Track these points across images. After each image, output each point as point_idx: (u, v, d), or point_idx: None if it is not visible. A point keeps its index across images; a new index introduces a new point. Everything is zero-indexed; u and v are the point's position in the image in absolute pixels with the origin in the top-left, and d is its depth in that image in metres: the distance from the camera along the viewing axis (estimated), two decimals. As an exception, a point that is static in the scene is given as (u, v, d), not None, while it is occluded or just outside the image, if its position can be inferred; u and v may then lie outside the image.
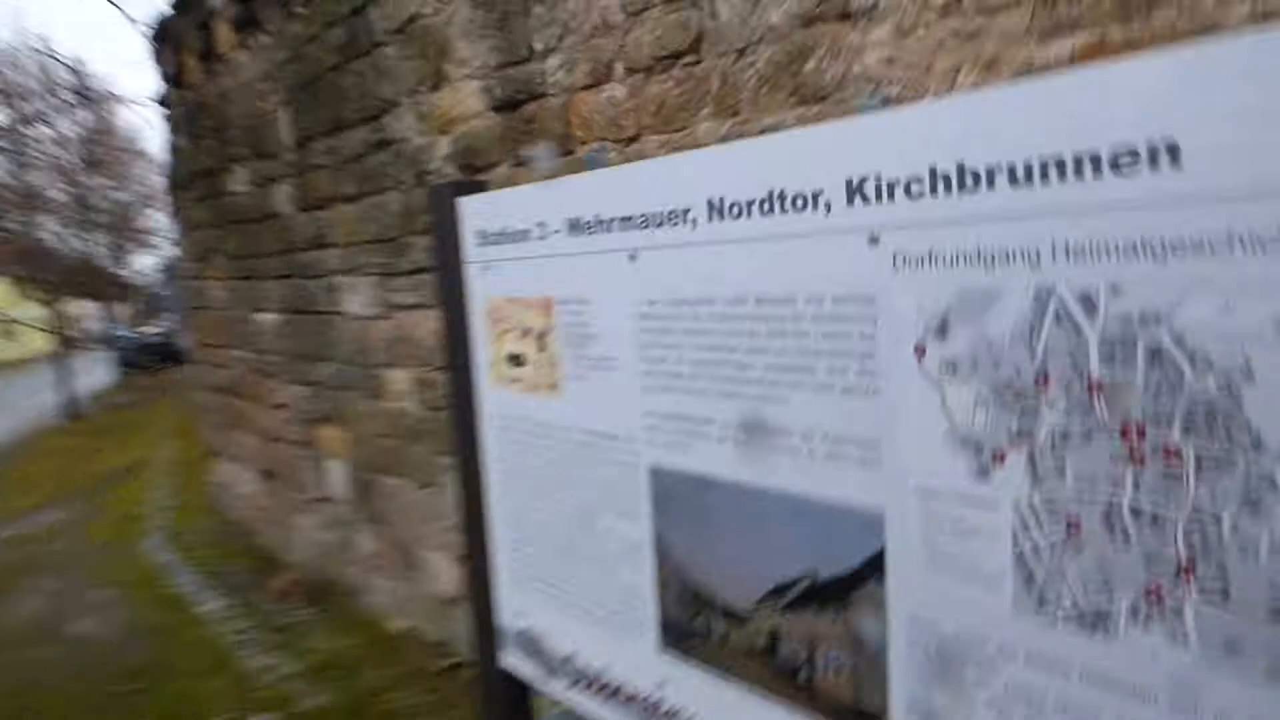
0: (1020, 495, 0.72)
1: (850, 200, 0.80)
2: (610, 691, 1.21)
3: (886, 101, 1.56)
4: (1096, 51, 1.26)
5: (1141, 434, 0.64)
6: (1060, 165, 0.65)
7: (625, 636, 1.16)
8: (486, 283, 1.32)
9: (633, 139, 2.07)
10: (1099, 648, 0.68)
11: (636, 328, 1.06)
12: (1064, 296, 0.66)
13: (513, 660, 1.41)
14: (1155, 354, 0.62)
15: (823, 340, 0.85)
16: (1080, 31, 1.28)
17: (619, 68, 2.01)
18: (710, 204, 0.94)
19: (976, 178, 0.70)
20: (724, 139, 1.88)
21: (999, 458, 0.73)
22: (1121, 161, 0.62)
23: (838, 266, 0.82)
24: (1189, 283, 0.60)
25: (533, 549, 1.32)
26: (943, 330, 0.75)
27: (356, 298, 3.61)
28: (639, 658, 1.15)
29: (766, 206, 0.88)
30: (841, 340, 0.83)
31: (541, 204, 1.18)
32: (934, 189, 0.73)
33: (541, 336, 1.23)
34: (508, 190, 1.28)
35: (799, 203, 0.85)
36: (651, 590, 1.11)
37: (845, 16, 1.58)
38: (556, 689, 1.30)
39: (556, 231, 1.16)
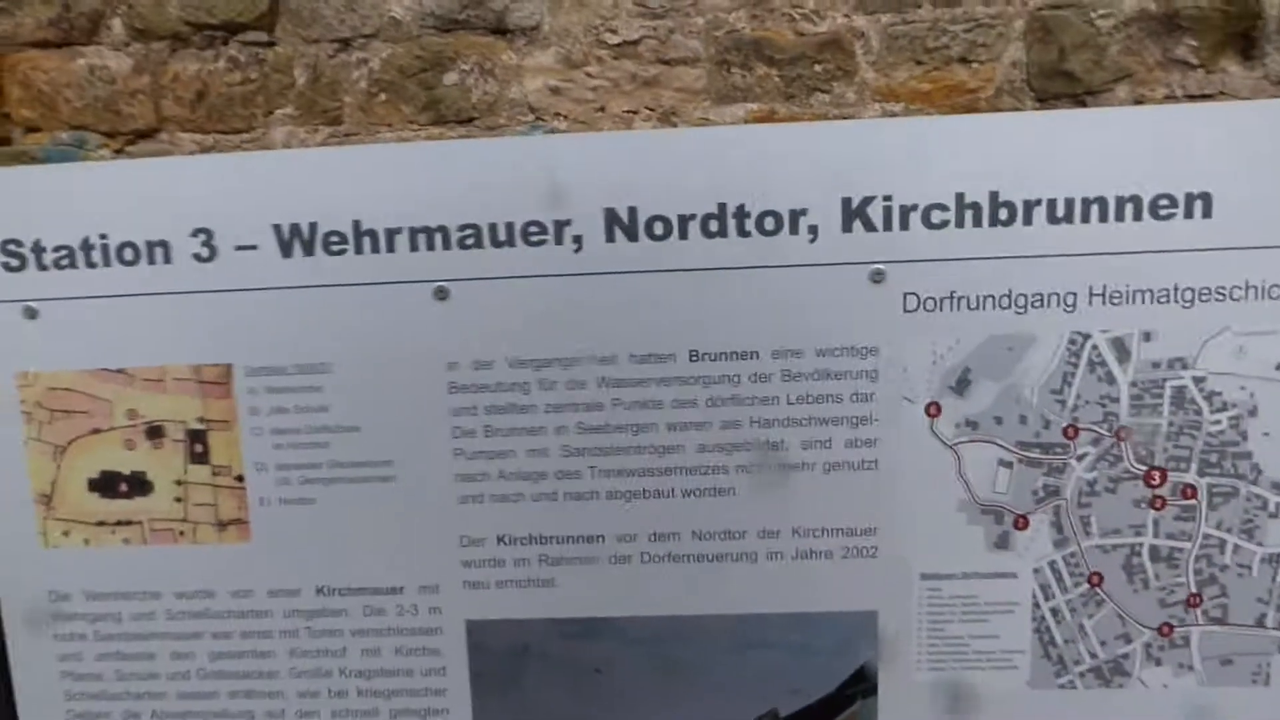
0: (1043, 559, 0.66)
1: (846, 226, 0.62)
2: None
3: (552, 134, 1.38)
4: (766, 120, 1.35)
5: (1163, 477, 0.64)
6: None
7: None
8: (29, 343, 0.67)
9: (147, 133, 1.38)
10: (1115, 698, 0.67)
11: (447, 406, 0.66)
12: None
13: None
14: (1180, 396, 0.63)
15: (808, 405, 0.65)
16: (752, 102, 1.35)
17: (117, 25, 1.30)
18: (613, 216, 0.63)
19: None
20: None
21: (1021, 523, 0.65)
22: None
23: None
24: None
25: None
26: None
27: None
28: None
29: (715, 227, 0.63)
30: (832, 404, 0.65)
31: (183, 192, 0.64)
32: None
33: (197, 438, 0.67)
34: (93, 168, 0.68)
35: (769, 224, 0.63)
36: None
37: (500, 32, 1.33)
38: None
39: (247, 246, 0.64)
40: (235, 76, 1.39)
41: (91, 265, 0.65)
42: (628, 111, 1.40)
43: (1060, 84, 1.41)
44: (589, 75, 1.38)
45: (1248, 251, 0.61)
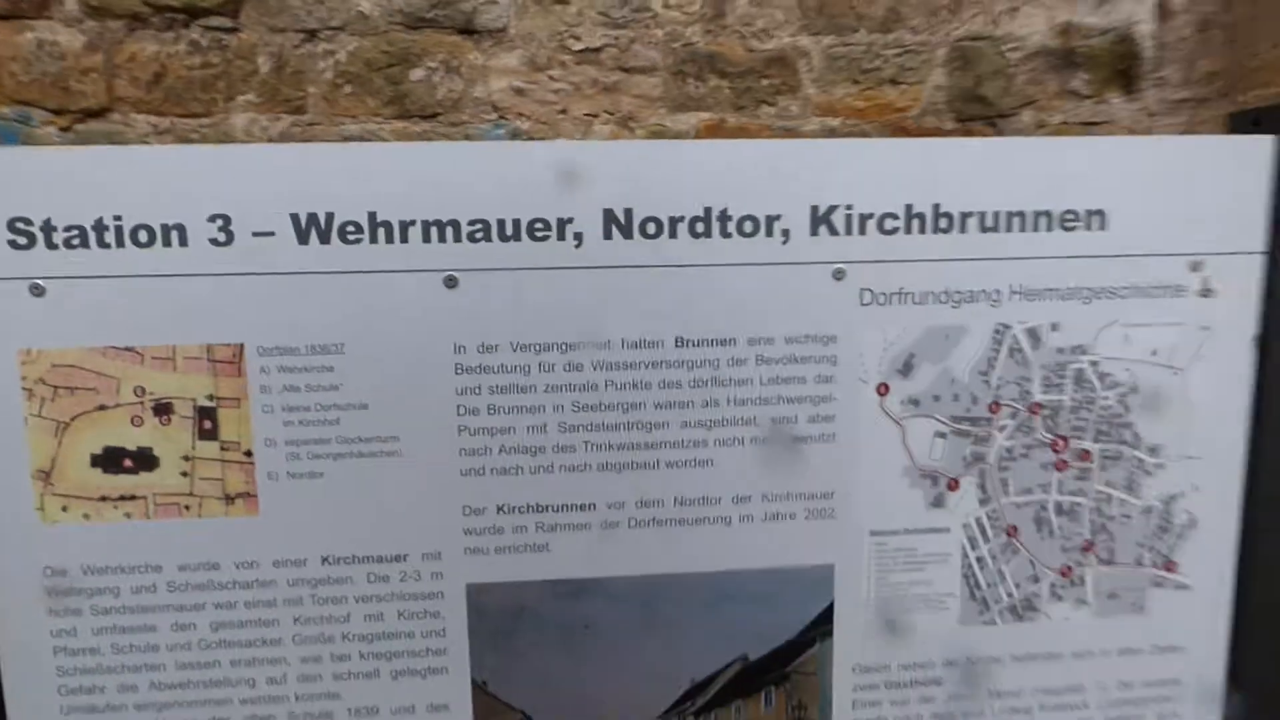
0: (970, 516, 0.77)
1: (814, 230, 0.72)
2: None
3: (516, 135, 1.43)
4: (716, 129, 1.45)
5: (1066, 443, 0.77)
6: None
7: None
8: (34, 321, 0.68)
9: (97, 113, 1.34)
10: (1026, 630, 0.80)
11: (454, 386, 0.71)
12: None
13: None
14: (1080, 377, 0.76)
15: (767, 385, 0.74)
16: (704, 111, 1.44)
17: (71, 1, 1.26)
18: (610, 216, 0.70)
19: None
20: (279, 140, 1.40)
21: (953, 485, 0.77)
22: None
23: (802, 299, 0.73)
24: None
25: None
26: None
27: None
28: None
29: (701, 228, 0.71)
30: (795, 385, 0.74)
31: (204, 180, 0.68)
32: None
33: (206, 415, 0.70)
34: (113, 151, 0.69)
35: (747, 227, 0.71)
36: (468, 765, 0.77)
37: (468, 31, 1.37)
38: None
39: (264, 233, 0.68)
40: (195, 60, 1.39)
41: (104, 246, 0.67)
42: (588, 115, 1.47)
43: (976, 107, 1.57)
44: (552, 79, 1.45)
45: (1134, 259, 0.74)
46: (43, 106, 1.38)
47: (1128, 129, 1.64)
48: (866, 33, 1.51)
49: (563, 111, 1.46)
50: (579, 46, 1.44)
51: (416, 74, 1.43)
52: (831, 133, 1.51)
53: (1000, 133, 1.57)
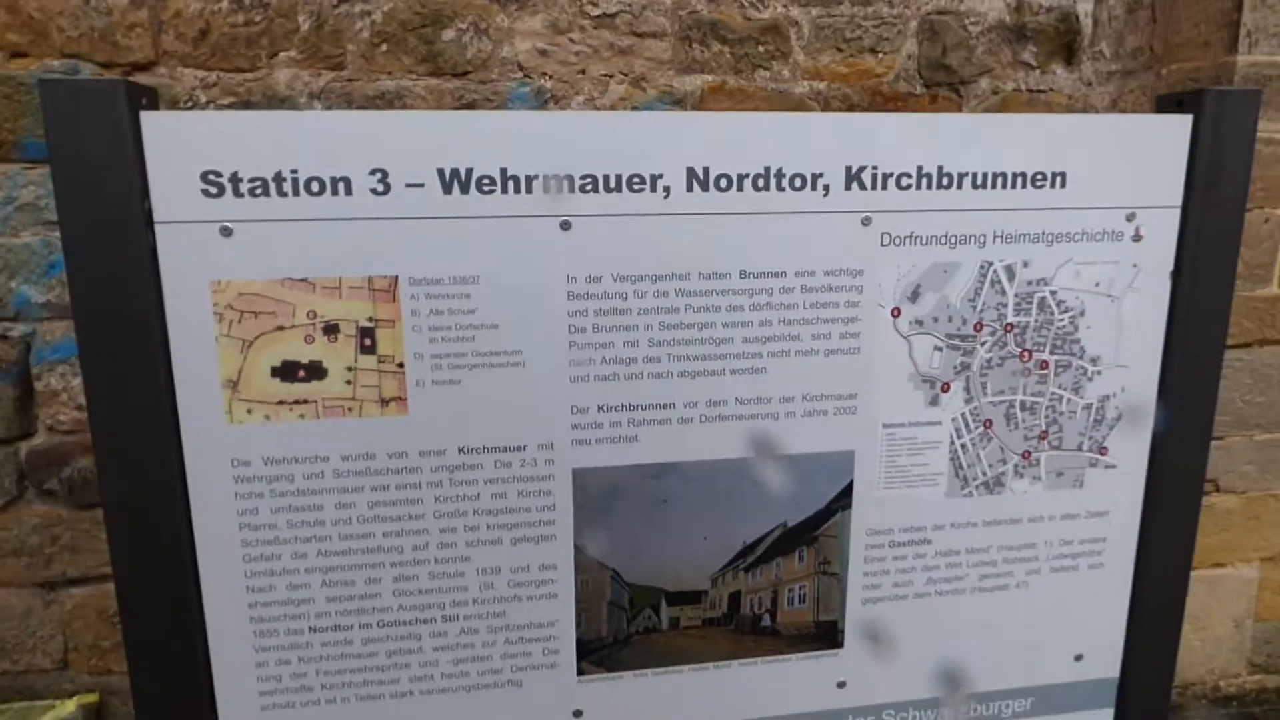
0: (957, 412, 1.00)
1: (848, 186, 0.92)
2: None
3: (540, 94, 1.57)
4: (718, 90, 1.62)
5: (1030, 355, 1.00)
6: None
7: (527, 683, 0.97)
8: (224, 257, 0.83)
9: (144, 66, 1.42)
10: (995, 500, 1.04)
11: (566, 310, 0.89)
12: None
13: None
14: (1042, 303, 0.99)
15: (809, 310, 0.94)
16: (708, 74, 1.61)
17: None
18: (692, 173, 0.88)
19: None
20: (320, 94, 1.50)
21: (945, 388, 0.99)
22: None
23: (832, 244, 0.93)
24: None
25: (327, 638, 0.93)
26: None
27: None
28: (544, 701, 0.99)
29: (762, 183, 0.90)
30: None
31: (367, 141, 0.83)
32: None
33: (367, 334, 0.87)
34: (278, 115, 0.83)
35: (797, 183, 0.91)
36: (569, 614, 0.97)
37: None
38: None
39: (416, 185, 0.84)
40: (239, 18, 1.48)
41: (282, 194, 0.82)
42: (604, 75, 1.63)
43: (941, 75, 1.79)
44: (572, 41, 1.59)
45: (1085, 211, 0.97)
46: (92, 60, 1.46)
47: (1068, 96, 1.88)
48: (850, 5, 1.70)
49: (582, 72, 1.61)
50: (596, 12, 1.58)
51: (448, 34, 1.55)
52: (818, 95, 1.70)
53: (962, 98, 1.79)
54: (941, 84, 1.77)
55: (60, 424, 1.53)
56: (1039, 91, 1.87)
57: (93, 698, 1.59)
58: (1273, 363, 1.71)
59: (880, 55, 1.72)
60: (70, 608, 1.60)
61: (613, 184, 0.87)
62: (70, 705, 1.55)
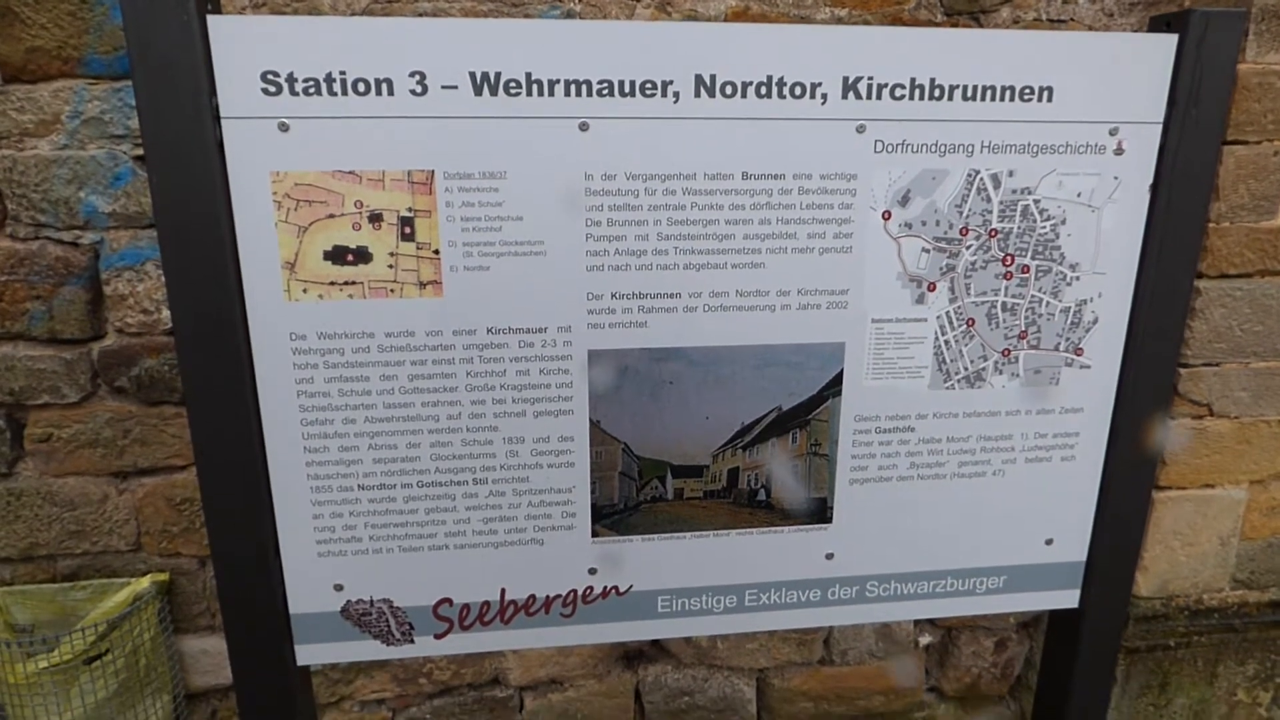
0: (942, 310, 1.09)
1: (844, 95, 0.99)
2: (519, 608, 1.13)
3: (570, 15, 1.63)
4: (742, 14, 1.67)
5: (1012, 259, 1.08)
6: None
7: (547, 542, 1.10)
8: (281, 150, 0.93)
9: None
10: (975, 394, 1.13)
11: (584, 205, 0.99)
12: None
13: (319, 650, 1.11)
14: (1025, 211, 1.07)
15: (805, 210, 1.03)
16: None
17: None
18: (700, 80, 0.97)
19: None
20: (365, 13, 1.59)
21: (931, 287, 1.08)
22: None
23: (828, 149, 1.01)
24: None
25: (374, 495, 1.06)
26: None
27: None
28: (563, 557, 1.12)
29: (764, 91, 0.98)
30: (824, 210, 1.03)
31: (407, 45, 0.92)
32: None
33: (407, 223, 0.98)
34: (329, 19, 0.92)
35: (797, 91, 0.98)
36: (585, 481, 1.09)
37: None
38: (404, 650, 1.11)
39: (450, 86, 0.93)
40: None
41: (332, 94, 0.92)
42: (631, 0, 1.68)
43: (962, 2, 1.81)
44: (600, -34, 1.64)
45: (1070, 124, 1.03)
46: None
47: (1088, 26, 1.90)
48: (873, -68, 1.72)
49: (609, -6, 1.66)
50: (624, -64, 1.63)
51: (481, -43, 1.61)
52: (839, 21, 1.75)
53: (981, 26, 1.82)
54: (962, 11, 1.80)
55: (128, 326, 1.67)
56: (1060, 21, 1.89)
57: (164, 576, 1.77)
58: (1273, 293, 1.76)
59: (899, -18, 1.75)
60: (141, 495, 1.78)
61: (627, 89, 0.96)
62: (144, 582, 1.73)
